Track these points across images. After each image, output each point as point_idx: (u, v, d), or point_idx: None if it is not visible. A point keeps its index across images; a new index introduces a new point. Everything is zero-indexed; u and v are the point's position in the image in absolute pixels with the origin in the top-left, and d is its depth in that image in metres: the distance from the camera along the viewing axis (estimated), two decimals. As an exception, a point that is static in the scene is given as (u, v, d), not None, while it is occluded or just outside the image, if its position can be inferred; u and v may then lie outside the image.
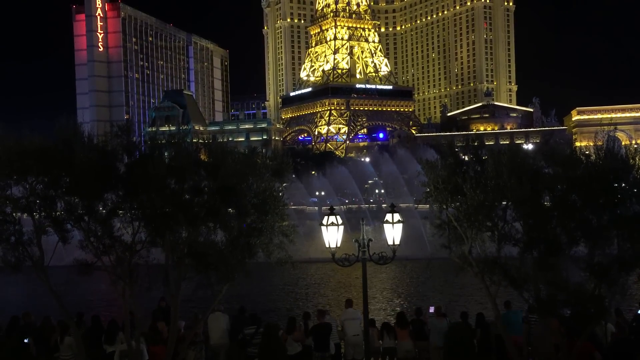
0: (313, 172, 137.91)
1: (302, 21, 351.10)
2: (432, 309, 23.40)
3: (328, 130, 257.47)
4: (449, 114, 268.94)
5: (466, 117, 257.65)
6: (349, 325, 22.13)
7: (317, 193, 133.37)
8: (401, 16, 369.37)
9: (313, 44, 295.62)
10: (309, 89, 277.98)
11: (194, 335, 21.21)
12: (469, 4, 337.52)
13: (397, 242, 19.39)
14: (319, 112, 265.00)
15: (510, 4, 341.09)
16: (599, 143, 17.90)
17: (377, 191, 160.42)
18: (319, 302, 44.36)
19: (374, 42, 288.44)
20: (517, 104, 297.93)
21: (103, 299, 44.56)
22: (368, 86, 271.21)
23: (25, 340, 21.29)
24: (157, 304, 25.03)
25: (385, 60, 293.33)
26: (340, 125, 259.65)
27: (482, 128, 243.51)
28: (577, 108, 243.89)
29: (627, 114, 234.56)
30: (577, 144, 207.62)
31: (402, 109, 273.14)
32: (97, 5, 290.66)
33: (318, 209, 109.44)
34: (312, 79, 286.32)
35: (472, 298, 40.96)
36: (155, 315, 23.98)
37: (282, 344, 20.14)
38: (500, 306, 20.57)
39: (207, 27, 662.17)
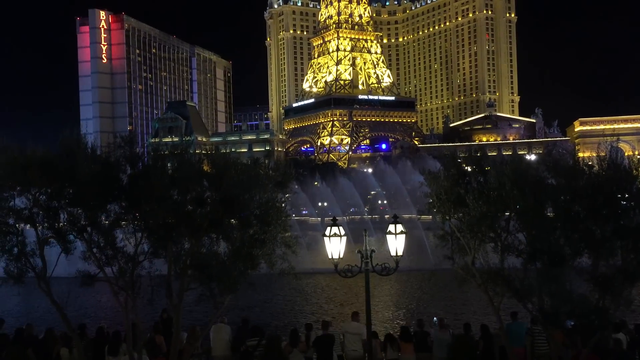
0: (316, 183, 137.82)
1: (305, 33, 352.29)
2: (436, 319, 23.31)
3: (331, 141, 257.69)
4: (451, 125, 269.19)
5: (469, 128, 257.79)
6: (348, 338, 22.03)
7: (319, 204, 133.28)
8: (403, 27, 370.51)
9: (315, 55, 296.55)
10: (312, 100, 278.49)
11: (193, 348, 21.12)
12: (471, 15, 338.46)
13: (400, 253, 19.25)
14: (321, 123, 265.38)
15: (512, 15, 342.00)
16: (602, 154, 17.81)
17: (379, 202, 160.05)
18: (321, 313, 44.19)
19: (376, 53, 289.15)
20: (520, 115, 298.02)
21: (105, 308, 44.45)
22: (370, 97, 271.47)
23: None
24: (160, 315, 24.94)
25: (388, 71, 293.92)
26: (343, 136, 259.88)
27: (484, 139, 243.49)
28: (580, 119, 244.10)
29: (630, 125, 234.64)
30: (580, 154, 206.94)
31: (404, 120, 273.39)
32: (101, 17, 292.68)
33: (321, 219, 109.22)
34: (314, 90, 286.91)
35: (475, 310, 40.76)
36: (155, 328, 23.84)
37: (285, 356, 20.05)
38: (506, 317, 20.48)
39: (210, 38, 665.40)
